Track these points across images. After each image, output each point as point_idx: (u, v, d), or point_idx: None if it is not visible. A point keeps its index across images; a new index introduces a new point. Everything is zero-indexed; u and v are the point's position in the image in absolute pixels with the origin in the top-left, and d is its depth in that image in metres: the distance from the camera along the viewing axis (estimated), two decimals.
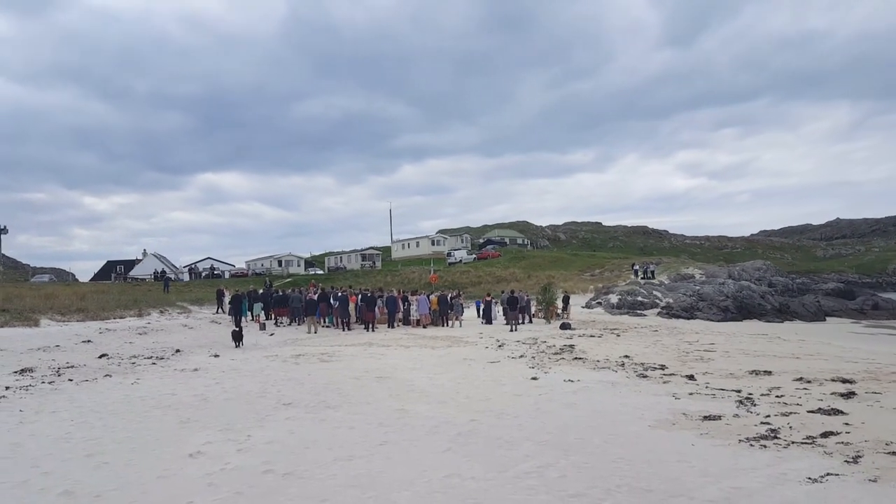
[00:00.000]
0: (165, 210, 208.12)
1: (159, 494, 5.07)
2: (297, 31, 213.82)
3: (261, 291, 27.33)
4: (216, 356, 14.40)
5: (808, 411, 8.00)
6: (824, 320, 32.79)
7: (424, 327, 23.98)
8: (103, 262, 73.48)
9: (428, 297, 25.89)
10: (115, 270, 66.39)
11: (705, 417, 7.74)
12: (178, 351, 15.29)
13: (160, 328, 19.56)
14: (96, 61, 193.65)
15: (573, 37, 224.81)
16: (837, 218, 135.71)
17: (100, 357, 13.50)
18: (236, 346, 16.94)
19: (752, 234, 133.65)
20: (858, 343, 19.53)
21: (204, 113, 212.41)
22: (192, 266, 68.84)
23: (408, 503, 4.92)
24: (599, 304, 36.21)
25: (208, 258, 74.03)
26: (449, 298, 26.28)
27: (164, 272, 53.25)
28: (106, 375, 11.24)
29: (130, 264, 68.20)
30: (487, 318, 26.53)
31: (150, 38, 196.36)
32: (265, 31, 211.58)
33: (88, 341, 15.69)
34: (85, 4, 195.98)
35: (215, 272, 63.77)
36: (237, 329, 17.90)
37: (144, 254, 70.28)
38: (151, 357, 13.98)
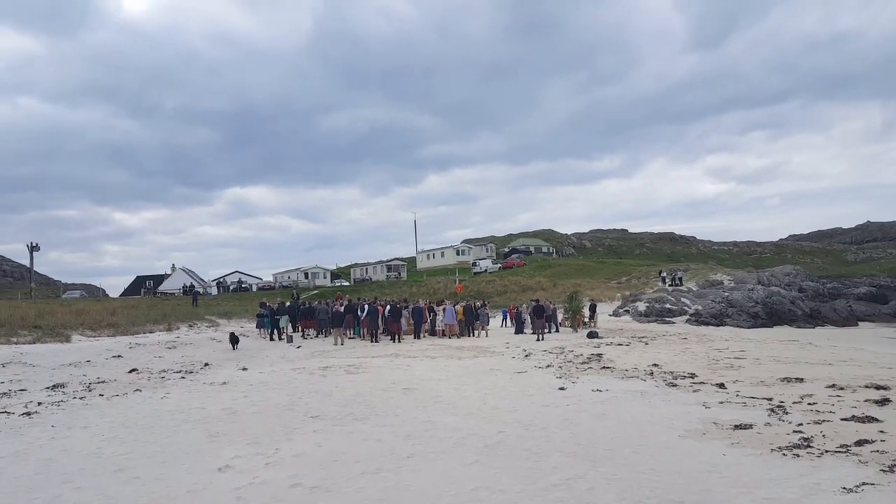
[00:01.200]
0: (194, 225, 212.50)
1: None
2: (322, 44, 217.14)
3: (287, 304, 27.61)
4: (244, 369, 14.56)
5: (842, 419, 7.81)
6: (857, 325, 32.02)
7: (450, 337, 23.92)
8: (133, 278, 75.24)
9: (454, 307, 25.80)
10: (144, 285, 67.87)
11: (736, 426, 7.58)
12: (206, 364, 15.48)
13: (189, 342, 19.84)
14: (126, 79, 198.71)
15: (599, 43, 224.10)
16: (868, 221, 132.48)
17: (130, 372, 13.74)
18: (233, 349, 18.90)
19: (780, 239, 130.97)
20: (893, 348, 19.02)
21: (232, 127, 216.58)
22: (221, 280, 69.98)
23: None
24: (627, 311, 35.79)
25: (236, 272, 75.22)
26: (474, 308, 26.23)
27: (192, 286, 54.24)
28: (136, 390, 11.43)
29: (160, 279, 69.64)
30: (518, 328, 26.33)
31: (179, 55, 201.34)
32: (291, 45, 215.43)
33: (119, 356, 15.97)
34: (115, 23, 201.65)
35: (243, 285, 64.74)
36: (234, 333, 20.21)
37: (173, 268, 71.75)
38: (181, 371, 14.17)
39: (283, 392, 11.04)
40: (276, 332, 23.04)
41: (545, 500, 5.16)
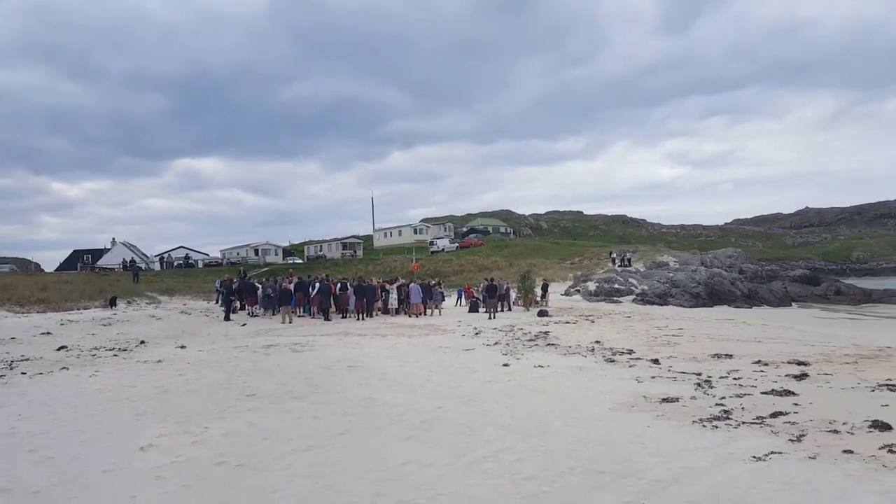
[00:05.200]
0: (140, 197, 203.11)
1: (102, 489, 4.92)
2: (286, 9, 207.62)
3: (235, 281, 26.98)
4: (183, 347, 14.12)
5: (762, 392, 8.14)
6: (790, 305, 33.66)
7: (411, 316, 23.83)
8: (70, 251, 71.95)
9: (419, 285, 25.59)
10: (81, 260, 65.01)
11: (664, 400, 7.82)
12: (142, 342, 14.96)
13: (126, 319, 19.16)
14: (70, 39, 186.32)
15: (570, 24, 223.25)
16: (807, 207, 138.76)
17: (58, 349, 13.15)
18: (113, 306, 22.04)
19: (726, 223, 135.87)
20: (819, 327, 19.98)
21: (185, 95, 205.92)
22: (165, 255, 67.59)
23: (361, 490, 4.85)
24: (578, 291, 36.49)
25: (181, 247, 72.79)
26: (429, 286, 26.20)
27: (133, 261, 52.20)
28: (63, 368, 10.94)
29: (98, 253, 66.84)
30: (474, 307, 26.46)
31: (130, 15, 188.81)
32: (252, 8, 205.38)
33: (48, 333, 15.30)
34: None
35: (189, 261, 62.84)
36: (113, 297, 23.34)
37: (113, 242, 69.00)
38: (114, 349, 13.65)
39: (221, 370, 10.76)
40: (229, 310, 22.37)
41: (472, 473, 5.19)
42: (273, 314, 23.19)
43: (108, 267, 56.79)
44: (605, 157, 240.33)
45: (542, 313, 23.38)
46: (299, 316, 22.91)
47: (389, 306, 24.72)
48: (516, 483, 4.92)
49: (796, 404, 7.38)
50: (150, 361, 11.84)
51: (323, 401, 8.21)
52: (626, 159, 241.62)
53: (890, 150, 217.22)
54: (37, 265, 68.81)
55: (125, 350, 13.57)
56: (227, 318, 21.64)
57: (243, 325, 20.36)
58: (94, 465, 5.48)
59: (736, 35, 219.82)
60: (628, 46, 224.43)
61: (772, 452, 5.51)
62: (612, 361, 11.34)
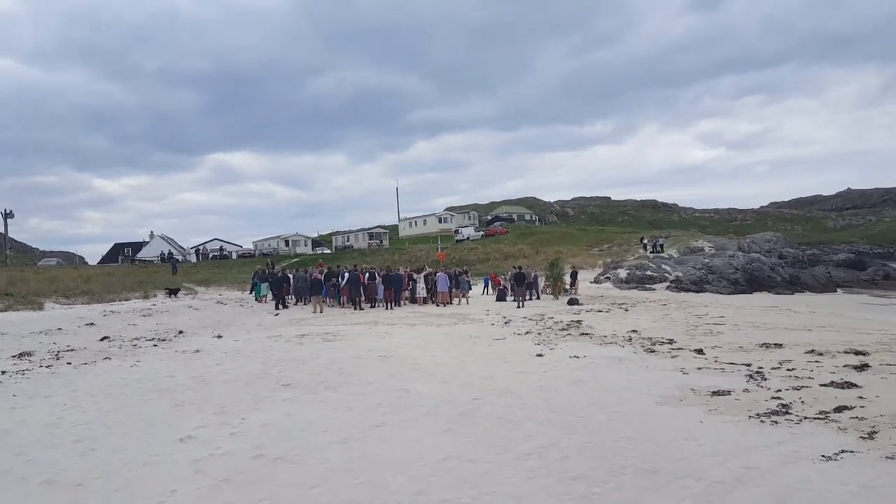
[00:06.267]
0: (176, 191, 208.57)
1: (143, 482, 4.88)
2: (309, 2, 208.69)
3: (267, 272, 27.37)
4: (219, 337, 14.27)
5: (821, 385, 7.69)
6: (835, 291, 32.40)
7: (444, 305, 23.77)
8: (111, 245, 74.28)
9: (447, 274, 25.55)
10: (122, 253, 67.10)
11: (714, 393, 7.46)
12: (181, 332, 15.17)
13: (165, 310, 19.49)
14: (105, 39, 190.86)
15: (595, 2, 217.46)
16: (848, 188, 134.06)
17: (101, 340, 13.41)
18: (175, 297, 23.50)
19: (762, 206, 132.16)
20: (870, 314, 19.15)
21: (215, 90, 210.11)
22: (200, 247, 69.22)
23: (402, 488, 4.70)
24: (608, 278, 35.89)
25: (215, 239, 74.40)
26: (455, 275, 26.07)
27: (171, 254, 53.47)
28: (105, 358, 11.12)
29: (138, 246, 68.90)
30: (500, 295, 26.29)
31: (161, 13, 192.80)
32: (277, 3, 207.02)
33: (91, 324, 15.62)
34: None
35: (224, 253, 64.15)
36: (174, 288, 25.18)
37: (151, 236, 70.97)
38: (153, 339, 13.87)
39: (257, 360, 10.80)
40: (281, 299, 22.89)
41: (516, 470, 5.00)
42: (304, 304, 23.39)
43: (148, 259, 58.46)
44: (634, 140, 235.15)
45: (572, 301, 23.03)
46: (329, 305, 23.05)
47: (417, 295, 24.71)
48: (565, 483, 4.68)
49: (861, 398, 6.93)
50: (189, 351, 11.96)
51: (356, 391, 8.13)
52: (656, 142, 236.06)
53: None
54: (81, 258, 71.13)
55: (164, 340, 13.77)
56: (276, 307, 22.18)
57: (276, 314, 20.56)
58: (136, 457, 5.47)
59: (771, 9, 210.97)
60: (657, 25, 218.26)
61: (842, 451, 5.13)
62: (653, 352, 10.99)
